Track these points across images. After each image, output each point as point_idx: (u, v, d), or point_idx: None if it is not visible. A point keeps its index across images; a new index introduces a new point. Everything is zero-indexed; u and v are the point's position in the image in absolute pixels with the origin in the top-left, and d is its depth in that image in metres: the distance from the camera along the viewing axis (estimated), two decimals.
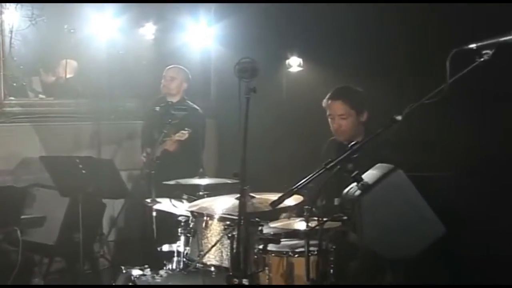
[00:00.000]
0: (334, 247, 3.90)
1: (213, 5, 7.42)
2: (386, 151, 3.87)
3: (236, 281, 3.55)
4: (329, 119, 4.55)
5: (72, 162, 5.82)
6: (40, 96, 7.67)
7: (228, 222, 4.12)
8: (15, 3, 6.66)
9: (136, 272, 4.52)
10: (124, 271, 4.57)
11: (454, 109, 4.23)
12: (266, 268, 3.98)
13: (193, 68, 6.90)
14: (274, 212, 4.10)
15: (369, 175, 3.28)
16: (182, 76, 6.49)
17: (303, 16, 6.17)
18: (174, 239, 4.62)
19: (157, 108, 6.18)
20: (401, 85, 5.04)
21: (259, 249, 3.99)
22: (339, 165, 3.18)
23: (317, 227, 3.53)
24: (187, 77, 6.52)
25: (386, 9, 5.24)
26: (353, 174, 3.20)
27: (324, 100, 4.56)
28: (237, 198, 3.81)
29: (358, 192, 3.18)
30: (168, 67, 6.54)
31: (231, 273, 3.68)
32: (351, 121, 4.47)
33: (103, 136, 7.31)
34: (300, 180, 3.24)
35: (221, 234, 4.15)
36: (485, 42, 3.00)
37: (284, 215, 4.34)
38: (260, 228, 4.06)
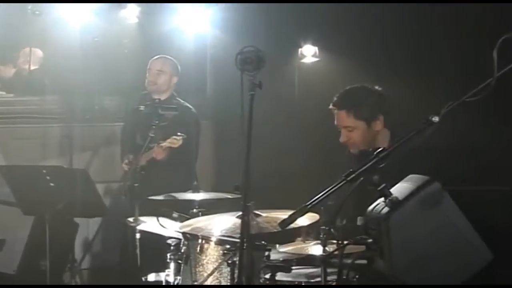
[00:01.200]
0: (356, 276, 3.93)
1: None
2: (420, 159, 3.89)
3: None
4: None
5: (38, 172, 5.86)
6: None
7: (228, 246, 4.15)
8: None
9: None
10: None
11: (507, 108, 4.24)
12: None
13: (185, 58, 6.92)
14: (284, 233, 4.12)
15: (399, 189, 3.30)
16: (171, 69, 6.50)
17: None
18: (162, 267, 4.65)
19: (142, 107, 6.18)
20: (438, 80, 5.06)
21: (266, 278, 4.01)
22: (363, 176, 3.20)
23: (336, 252, 3.56)
24: (176, 70, 6.53)
25: None
26: (379, 188, 3.22)
27: (330, 106, 4.48)
28: (238, 217, 3.84)
29: (386, 209, 3.20)
30: (154, 58, 6.53)
31: None
32: (361, 133, 4.40)
33: (75, 141, 7.35)
34: (315, 195, 3.27)
35: (220, 261, 4.17)
36: None
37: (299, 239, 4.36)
38: (266, 253, 4.09)
